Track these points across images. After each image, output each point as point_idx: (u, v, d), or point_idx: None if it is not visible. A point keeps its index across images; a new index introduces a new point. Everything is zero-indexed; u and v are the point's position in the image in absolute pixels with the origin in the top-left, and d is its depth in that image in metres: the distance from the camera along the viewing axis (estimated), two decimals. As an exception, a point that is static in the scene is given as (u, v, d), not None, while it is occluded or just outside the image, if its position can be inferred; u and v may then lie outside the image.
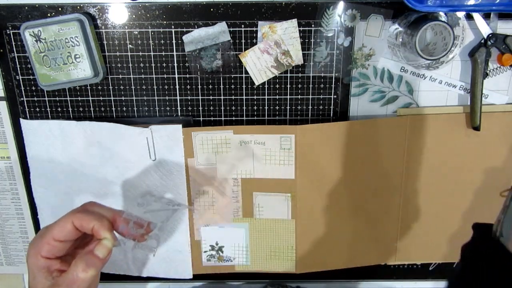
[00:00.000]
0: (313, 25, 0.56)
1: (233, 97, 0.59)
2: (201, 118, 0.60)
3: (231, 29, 0.56)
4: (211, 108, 0.59)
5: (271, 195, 0.61)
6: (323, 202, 0.61)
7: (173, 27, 0.56)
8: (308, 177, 0.60)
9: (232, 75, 0.58)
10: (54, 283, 0.44)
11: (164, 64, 0.57)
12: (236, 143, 0.59)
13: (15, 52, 0.57)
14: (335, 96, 0.59)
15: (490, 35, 0.54)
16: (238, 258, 0.65)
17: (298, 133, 0.58)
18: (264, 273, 0.66)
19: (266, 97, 0.59)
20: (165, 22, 0.55)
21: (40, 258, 0.44)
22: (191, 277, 0.65)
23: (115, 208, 0.47)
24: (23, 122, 0.59)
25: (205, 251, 0.65)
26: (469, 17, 0.55)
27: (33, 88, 0.58)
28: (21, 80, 0.58)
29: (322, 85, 0.58)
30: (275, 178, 0.60)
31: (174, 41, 0.56)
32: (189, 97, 0.59)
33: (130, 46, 0.56)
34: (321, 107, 0.59)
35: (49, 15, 0.55)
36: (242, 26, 0.56)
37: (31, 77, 0.58)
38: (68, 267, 0.44)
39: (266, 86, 0.58)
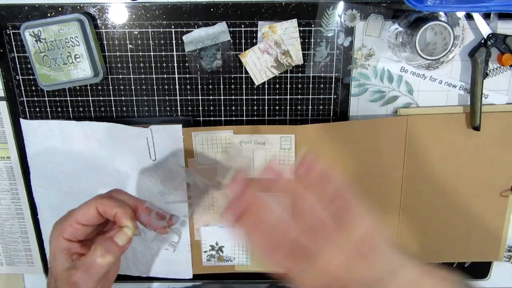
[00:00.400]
0: (313, 25, 0.56)
1: (233, 97, 0.59)
2: (201, 118, 0.60)
3: (231, 29, 0.56)
4: (211, 108, 0.59)
5: (271, 195, 0.61)
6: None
7: (173, 27, 0.56)
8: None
9: (232, 75, 0.58)
10: (73, 265, 0.45)
11: (164, 64, 0.57)
12: (236, 143, 0.59)
13: (15, 52, 0.57)
14: (335, 96, 0.59)
15: (490, 35, 0.54)
16: (238, 258, 0.65)
17: (298, 133, 0.58)
18: (263, 273, 0.66)
19: (266, 97, 0.59)
20: (165, 22, 0.55)
21: (62, 240, 0.45)
22: (191, 277, 0.65)
23: (139, 198, 0.48)
24: (23, 122, 0.59)
25: (205, 251, 0.65)
26: (469, 17, 0.55)
27: (33, 88, 0.58)
28: (21, 80, 0.58)
29: (322, 85, 0.58)
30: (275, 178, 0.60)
31: (174, 41, 0.56)
32: (189, 97, 0.59)
33: (130, 46, 0.56)
34: (321, 107, 0.59)
35: (49, 15, 0.55)
36: (242, 26, 0.56)
37: (31, 77, 0.58)
38: (87, 251, 0.45)
39: (266, 86, 0.58)
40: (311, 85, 0.58)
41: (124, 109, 0.59)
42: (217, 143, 0.59)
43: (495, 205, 0.62)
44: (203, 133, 0.59)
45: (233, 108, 0.59)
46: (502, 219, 0.63)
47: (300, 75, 0.58)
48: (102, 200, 0.45)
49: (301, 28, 0.56)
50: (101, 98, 0.59)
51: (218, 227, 0.64)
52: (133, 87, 0.58)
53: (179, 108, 0.59)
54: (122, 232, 0.45)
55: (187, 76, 0.58)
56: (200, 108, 0.59)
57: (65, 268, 0.44)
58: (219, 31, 0.56)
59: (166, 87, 0.58)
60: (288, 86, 0.58)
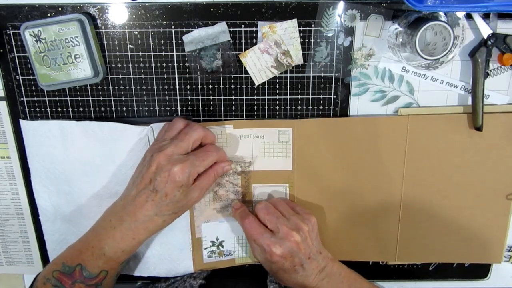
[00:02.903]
0: (313, 25, 0.56)
1: (233, 97, 0.59)
2: (201, 118, 0.60)
3: (231, 29, 0.56)
4: (211, 108, 0.59)
5: (270, 186, 0.62)
6: (320, 194, 0.61)
7: (173, 27, 0.56)
8: (305, 168, 0.61)
9: (232, 75, 0.58)
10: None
11: (164, 64, 0.57)
12: (236, 138, 0.59)
13: (15, 52, 0.57)
14: (335, 96, 0.59)
15: (490, 35, 0.54)
16: (238, 251, 0.65)
17: (296, 126, 0.59)
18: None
19: (266, 97, 0.59)
20: (165, 22, 0.55)
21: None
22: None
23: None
24: (23, 123, 0.59)
25: (205, 248, 0.65)
26: (469, 17, 0.55)
27: (33, 88, 0.58)
28: (21, 80, 0.58)
29: (322, 85, 0.58)
30: (273, 170, 0.61)
31: (174, 41, 0.56)
32: (189, 97, 0.59)
33: (130, 46, 0.56)
34: (321, 107, 0.59)
35: (49, 15, 0.55)
36: (242, 26, 0.56)
37: (31, 77, 0.58)
38: None
39: (266, 86, 0.58)
40: (311, 85, 0.58)
41: (124, 109, 0.59)
42: (217, 138, 0.59)
43: (498, 207, 0.62)
44: None
45: (233, 108, 0.59)
46: (505, 222, 0.62)
47: (300, 75, 0.58)
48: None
49: (301, 28, 0.56)
50: (101, 98, 0.59)
51: (218, 222, 0.64)
52: (133, 87, 0.58)
53: (179, 108, 0.59)
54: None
55: (187, 76, 0.58)
56: (200, 108, 0.59)
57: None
58: (219, 31, 0.56)
59: (166, 87, 0.58)
60: (288, 86, 0.58)
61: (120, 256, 0.53)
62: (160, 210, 0.52)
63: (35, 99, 0.59)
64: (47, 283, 0.53)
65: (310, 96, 0.59)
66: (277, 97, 0.59)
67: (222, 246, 0.65)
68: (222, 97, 0.59)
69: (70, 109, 0.59)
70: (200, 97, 0.59)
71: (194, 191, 0.53)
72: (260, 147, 0.60)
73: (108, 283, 0.55)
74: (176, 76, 0.58)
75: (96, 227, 0.55)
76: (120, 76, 0.58)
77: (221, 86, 0.58)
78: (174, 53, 0.57)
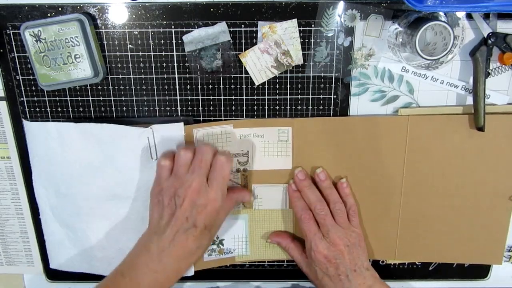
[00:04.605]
0: (313, 25, 0.56)
1: (233, 97, 0.59)
2: (201, 118, 0.60)
3: (231, 29, 0.56)
4: (211, 108, 0.59)
5: (270, 186, 0.62)
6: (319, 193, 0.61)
7: (173, 27, 0.56)
8: (304, 168, 0.61)
9: (232, 75, 0.58)
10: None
11: (164, 64, 0.57)
12: (236, 137, 0.59)
13: (15, 52, 0.57)
14: (335, 96, 0.59)
15: (490, 34, 0.54)
16: (238, 249, 0.66)
17: (295, 125, 0.59)
18: (264, 272, 0.67)
19: (266, 97, 0.59)
20: (165, 22, 0.55)
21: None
22: (192, 273, 0.65)
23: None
24: (25, 123, 0.59)
25: (206, 247, 0.65)
26: (469, 17, 0.55)
27: (33, 88, 0.58)
28: (21, 80, 0.58)
29: (322, 85, 0.58)
30: (273, 169, 0.61)
31: (174, 41, 0.56)
32: (189, 97, 0.59)
33: (130, 46, 0.56)
34: (321, 107, 0.59)
35: (49, 15, 0.55)
36: (242, 26, 0.56)
37: (31, 77, 0.58)
38: None
39: (266, 86, 0.58)
40: (311, 85, 0.58)
41: (124, 109, 0.59)
42: (217, 138, 0.59)
43: (498, 208, 0.62)
44: (203, 129, 0.59)
45: (233, 108, 0.59)
46: (506, 223, 0.62)
47: (300, 75, 0.58)
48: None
49: (301, 28, 0.56)
50: (101, 98, 0.59)
51: None
52: (133, 87, 0.58)
53: (179, 108, 0.59)
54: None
55: (187, 76, 0.58)
56: (200, 108, 0.59)
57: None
58: (219, 31, 0.56)
59: (166, 87, 0.58)
60: (288, 86, 0.58)
61: None
62: (202, 244, 0.54)
63: (35, 99, 0.59)
64: None
65: (310, 96, 0.59)
66: (277, 97, 0.59)
67: (222, 245, 0.65)
68: (222, 97, 0.59)
69: (70, 109, 0.59)
70: (200, 97, 0.59)
71: (222, 213, 0.57)
72: (260, 146, 0.60)
73: None
74: (176, 76, 0.58)
75: (132, 273, 0.53)
76: (120, 76, 0.58)
77: (221, 86, 0.58)
78: (174, 53, 0.57)
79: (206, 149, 0.54)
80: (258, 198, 0.63)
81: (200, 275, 0.66)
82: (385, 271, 0.67)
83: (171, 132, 0.58)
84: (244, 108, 0.59)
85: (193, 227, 0.52)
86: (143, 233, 0.56)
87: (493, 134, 0.58)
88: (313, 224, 0.58)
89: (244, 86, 0.58)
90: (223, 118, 0.60)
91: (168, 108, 0.59)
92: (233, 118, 0.60)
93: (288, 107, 0.59)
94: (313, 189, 0.59)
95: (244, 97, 0.59)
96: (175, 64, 0.57)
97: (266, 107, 0.59)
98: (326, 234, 0.57)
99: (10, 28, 0.56)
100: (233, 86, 0.58)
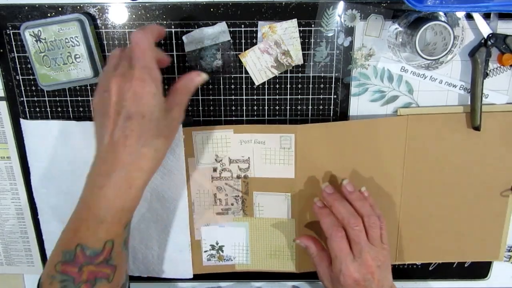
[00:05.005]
0: (313, 25, 0.56)
1: (233, 97, 0.59)
2: (201, 118, 0.60)
3: (231, 29, 0.56)
4: (211, 108, 0.59)
5: (271, 195, 0.61)
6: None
7: (173, 27, 0.56)
8: (307, 177, 0.60)
9: (232, 75, 0.58)
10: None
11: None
12: (236, 142, 0.59)
13: (15, 52, 0.57)
14: (335, 96, 0.59)
15: (490, 35, 0.54)
16: (238, 257, 0.65)
17: (298, 132, 0.58)
18: (264, 273, 0.67)
19: (266, 97, 0.59)
20: (165, 22, 0.55)
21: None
22: (191, 276, 0.65)
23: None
24: (23, 122, 0.59)
25: (205, 251, 0.65)
26: (469, 17, 0.55)
27: (33, 88, 0.58)
28: (21, 80, 0.58)
29: (322, 85, 0.58)
30: (275, 178, 0.60)
31: (174, 41, 0.56)
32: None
33: (130, 46, 0.56)
34: (321, 107, 0.59)
35: (49, 15, 0.55)
36: (242, 26, 0.56)
37: (31, 77, 0.58)
38: None
39: (266, 86, 0.58)
40: (311, 85, 0.59)
41: (124, 109, 0.59)
42: (217, 142, 0.59)
43: (495, 205, 0.62)
44: (203, 133, 0.59)
45: (233, 108, 0.59)
46: (502, 219, 0.63)
47: (300, 75, 0.58)
48: None
49: (301, 28, 0.56)
50: (101, 98, 0.59)
51: (218, 227, 0.64)
52: (133, 87, 0.58)
53: (179, 108, 0.59)
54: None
55: (187, 76, 0.58)
56: (200, 108, 0.59)
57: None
58: (219, 31, 0.56)
59: (166, 87, 0.58)
60: (288, 86, 0.59)
61: (121, 217, 0.46)
62: (145, 139, 0.44)
63: (35, 99, 0.59)
64: (53, 282, 0.46)
65: (310, 96, 0.59)
66: (277, 97, 0.59)
67: (222, 251, 0.65)
68: (222, 97, 0.59)
69: (70, 109, 0.59)
70: (200, 97, 0.59)
71: (172, 110, 0.47)
72: (261, 153, 0.59)
73: (118, 253, 0.47)
74: (176, 76, 0.58)
75: (82, 198, 0.46)
76: (120, 76, 0.58)
77: (221, 86, 0.58)
78: (174, 53, 0.57)
79: (132, 38, 0.45)
80: (260, 206, 0.63)
81: (200, 275, 0.66)
82: (385, 271, 0.67)
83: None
84: (244, 108, 0.59)
85: (128, 119, 0.43)
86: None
87: (490, 132, 0.59)
88: (345, 243, 0.53)
89: (244, 86, 0.58)
90: (223, 118, 0.60)
91: (168, 108, 0.59)
92: (233, 118, 0.60)
93: (288, 107, 0.59)
94: (344, 202, 0.54)
95: (244, 97, 0.59)
96: (175, 64, 0.57)
97: (266, 107, 0.59)
98: (358, 254, 0.52)
99: (10, 28, 0.56)
100: (233, 86, 0.58)
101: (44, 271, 0.48)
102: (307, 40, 0.56)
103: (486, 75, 0.55)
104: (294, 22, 0.55)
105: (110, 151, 0.44)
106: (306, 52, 0.57)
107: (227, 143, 0.59)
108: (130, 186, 0.44)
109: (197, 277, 0.66)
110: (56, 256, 0.46)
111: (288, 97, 0.59)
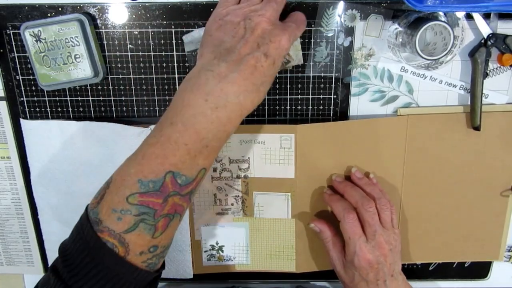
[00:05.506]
0: (313, 25, 0.56)
1: (233, 97, 0.59)
2: (201, 118, 0.60)
3: (231, 29, 0.56)
4: (211, 108, 0.59)
5: (271, 195, 0.61)
6: (323, 202, 0.61)
7: (173, 27, 0.56)
8: (308, 177, 0.60)
9: (232, 75, 0.58)
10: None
11: (164, 64, 0.57)
12: (236, 142, 0.59)
13: (15, 52, 0.57)
14: (335, 96, 0.59)
15: (490, 35, 0.54)
16: (239, 258, 0.65)
17: (298, 132, 0.58)
18: (264, 273, 0.67)
19: (266, 97, 0.59)
20: (165, 22, 0.55)
21: None
22: (191, 277, 0.65)
23: None
24: (23, 122, 0.59)
25: (205, 251, 0.65)
26: (469, 17, 0.55)
27: (33, 88, 0.58)
28: (21, 80, 0.58)
29: (322, 85, 0.59)
30: (275, 177, 0.60)
31: (174, 41, 0.56)
32: (189, 97, 0.59)
33: (130, 46, 0.56)
34: (321, 107, 0.59)
35: (49, 15, 0.55)
36: (242, 26, 0.56)
37: (31, 77, 0.58)
38: None
39: (266, 86, 0.58)
40: (311, 85, 0.59)
41: (124, 109, 0.59)
42: None
43: (495, 205, 0.62)
44: None
45: (233, 108, 0.59)
46: (502, 219, 0.63)
47: (300, 75, 0.58)
48: None
49: (301, 28, 0.56)
50: (101, 98, 0.59)
51: (218, 227, 0.64)
52: (133, 87, 0.58)
53: (179, 108, 0.59)
54: None
55: (187, 76, 0.58)
56: (200, 108, 0.59)
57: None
58: (219, 31, 0.56)
59: (166, 87, 0.58)
60: (288, 86, 0.58)
61: (221, 145, 0.43)
62: (266, 80, 0.43)
63: (35, 99, 0.59)
64: (124, 216, 0.39)
65: (310, 96, 0.59)
66: (277, 97, 0.59)
67: (222, 251, 0.65)
68: (222, 97, 0.59)
69: (70, 109, 0.59)
70: (200, 97, 0.59)
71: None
72: (261, 153, 0.59)
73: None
74: (176, 76, 0.58)
75: (185, 116, 0.41)
76: (120, 76, 0.58)
77: (221, 86, 0.58)
78: (174, 53, 0.57)
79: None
80: (260, 206, 0.63)
81: (201, 276, 0.66)
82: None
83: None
84: (244, 108, 0.59)
85: (264, 56, 0.42)
86: (189, 74, 0.44)
87: (490, 132, 0.59)
88: (358, 226, 0.53)
89: (244, 86, 0.58)
90: (223, 118, 0.60)
91: (168, 108, 0.59)
92: (233, 118, 0.60)
93: (288, 107, 0.59)
94: (356, 187, 0.56)
95: (244, 97, 0.59)
96: (175, 64, 0.57)
97: (266, 107, 0.59)
98: (371, 237, 0.53)
99: (10, 28, 0.56)
100: (233, 86, 0.58)
101: (104, 207, 0.41)
102: (307, 40, 0.56)
103: (486, 75, 0.55)
104: (294, 22, 0.55)
105: (236, 71, 0.41)
106: (306, 52, 0.57)
107: (227, 143, 0.59)
108: (241, 114, 0.42)
109: (197, 277, 0.66)
110: (126, 188, 0.40)
111: (288, 97, 0.59)
